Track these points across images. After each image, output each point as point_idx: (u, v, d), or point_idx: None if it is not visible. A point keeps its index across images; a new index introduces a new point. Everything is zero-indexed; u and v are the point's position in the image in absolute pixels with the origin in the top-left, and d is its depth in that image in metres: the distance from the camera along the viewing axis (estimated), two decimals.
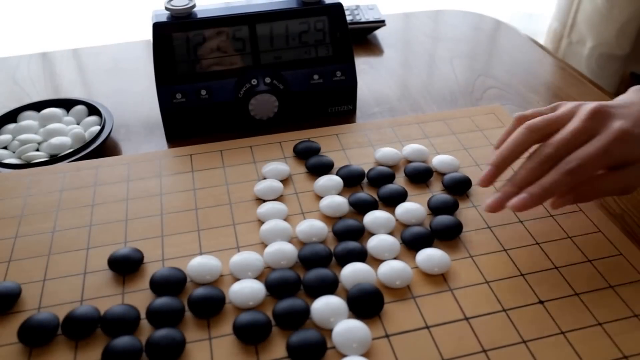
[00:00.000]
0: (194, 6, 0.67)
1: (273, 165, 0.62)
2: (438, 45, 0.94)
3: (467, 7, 1.08)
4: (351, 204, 0.57)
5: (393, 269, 0.49)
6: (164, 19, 0.66)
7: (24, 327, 0.45)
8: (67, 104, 0.74)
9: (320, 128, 0.69)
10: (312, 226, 0.54)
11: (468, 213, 0.56)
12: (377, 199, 0.58)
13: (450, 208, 0.56)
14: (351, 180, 0.60)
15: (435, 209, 0.56)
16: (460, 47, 0.93)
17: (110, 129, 0.69)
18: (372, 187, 0.60)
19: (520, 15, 2.23)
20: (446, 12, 1.06)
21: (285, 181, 0.61)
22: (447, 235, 0.53)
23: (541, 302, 0.47)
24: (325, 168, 0.62)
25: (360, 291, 0.47)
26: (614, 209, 0.57)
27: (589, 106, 0.51)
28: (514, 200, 0.49)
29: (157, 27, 0.66)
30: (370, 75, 0.85)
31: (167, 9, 0.66)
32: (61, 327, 0.45)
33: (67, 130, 0.70)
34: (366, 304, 0.46)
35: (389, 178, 0.60)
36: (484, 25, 1.02)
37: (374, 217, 0.55)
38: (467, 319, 0.46)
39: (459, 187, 0.59)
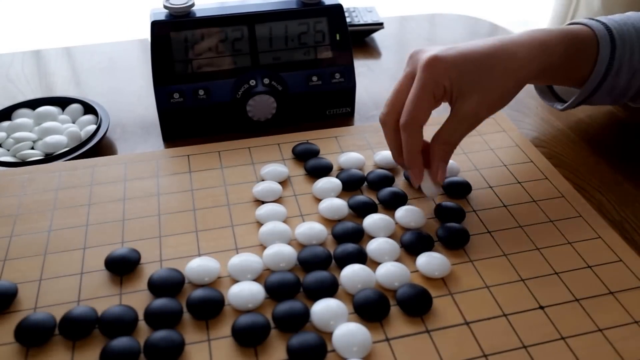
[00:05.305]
0: (192, 5, 0.67)
1: (272, 167, 0.61)
2: None
3: (463, 14, 1.08)
4: (350, 206, 0.57)
5: (392, 271, 0.49)
6: (162, 17, 0.66)
7: (21, 327, 0.44)
8: (62, 103, 0.73)
9: (319, 130, 0.68)
10: (312, 228, 0.53)
11: (468, 218, 0.56)
12: (377, 201, 0.58)
13: (457, 216, 0.55)
14: (350, 183, 0.60)
15: (442, 216, 0.56)
16: None
17: (107, 128, 0.68)
18: (372, 190, 0.59)
19: (516, 22, 2.25)
20: (443, 16, 1.06)
21: (283, 183, 0.60)
22: (454, 243, 0.53)
23: (541, 307, 0.47)
24: (324, 170, 0.61)
25: (366, 297, 0.47)
26: (614, 216, 0.57)
27: (421, 62, 0.52)
28: (412, 180, 0.55)
29: (156, 26, 0.65)
30: (368, 77, 0.84)
31: (165, 7, 0.66)
32: (58, 328, 0.44)
33: (63, 128, 0.69)
34: (372, 309, 0.46)
35: (389, 181, 0.60)
36: (480, 29, 1.02)
37: (374, 220, 0.54)
38: (467, 323, 0.46)
39: (459, 192, 0.59)
